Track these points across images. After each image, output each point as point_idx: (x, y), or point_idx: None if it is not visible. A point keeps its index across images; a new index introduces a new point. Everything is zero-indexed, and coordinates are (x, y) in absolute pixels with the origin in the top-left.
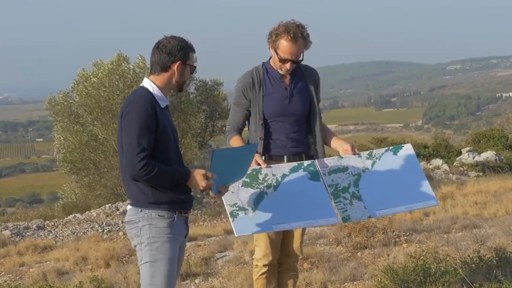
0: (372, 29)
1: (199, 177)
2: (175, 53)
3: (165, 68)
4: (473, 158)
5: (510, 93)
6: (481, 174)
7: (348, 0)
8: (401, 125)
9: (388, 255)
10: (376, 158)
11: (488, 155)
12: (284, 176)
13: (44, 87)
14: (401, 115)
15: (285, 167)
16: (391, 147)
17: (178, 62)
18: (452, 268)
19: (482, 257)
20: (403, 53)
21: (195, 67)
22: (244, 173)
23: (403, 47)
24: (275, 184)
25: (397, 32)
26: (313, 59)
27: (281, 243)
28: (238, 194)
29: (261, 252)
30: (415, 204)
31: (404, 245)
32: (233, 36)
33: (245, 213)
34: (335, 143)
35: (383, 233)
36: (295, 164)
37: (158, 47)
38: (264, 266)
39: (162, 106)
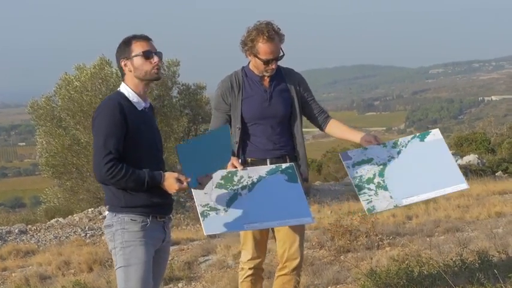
0: (355, 33)
1: (171, 180)
2: (118, 54)
3: (122, 73)
4: (456, 161)
5: (492, 96)
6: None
7: (331, 3)
8: (384, 128)
9: (371, 258)
10: (402, 146)
11: (471, 158)
12: (260, 177)
13: (26, 91)
14: (384, 119)
15: (262, 169)
16: (417, 134)
17: (122, 61)
18: (435, 271)
19: (465, 260)
20: (386, 57)
21: (148, 51)
22: (227, 157)
23: (385, 51)
24: (250, 185)
25: (380, 36)
26: (295, 63)
27: (279, 248)
28: (211, 195)
29: (247, 255)
30: (444, 189)
31: (387, 249)
32: (216, 40)
33: (216, 213)
34: (354, 135)
35: (366, 236)
36: (272, 166)
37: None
38: (250, 269)
39: (139, 108)
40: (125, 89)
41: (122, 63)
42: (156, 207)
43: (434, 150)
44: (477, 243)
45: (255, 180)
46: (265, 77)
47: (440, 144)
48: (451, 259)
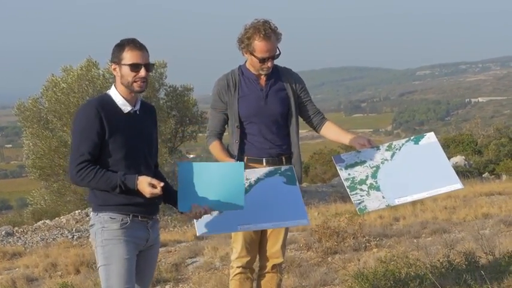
0: (341, 35)
1: (144, 184)
2: (112, 57)
3: (114, 73)
4: None
5: (479, 98)
6: None
7: (317, 6)
8: (371, 130)
9: (359, 260)
10: (396, 149)
11: (458, 159)
12: (258, 179)
13: (13, 93)
14: (371, 120)
15: (260, 171)
16: (412, 137)
17: (112, 65)
18: (422, 273)
19: (452, 262)
20: (373, 59)
21: (135, 64)
22: (238, 201)
23: (372, 52)
24: (247, 187)
25: (367, 38)
26: (282, 65)
27: (261, 246)
28: None
29: (236, 253)
30: (438, 189)
31: (375, 250)
32: (204, 42)
33: (211, 214)
34: (350, 139)
35: (353, 238)
36: (271, 168)
37: None
38: (238, 267)
39: (125, 111)
40: (112, 91)
41: (112, 67)
42: (136, 206)
43: (428, 152)
44: (464, 245)
45: (252, 182)
46: (262, 76)
47: (435, 147)
48: (438, 260)
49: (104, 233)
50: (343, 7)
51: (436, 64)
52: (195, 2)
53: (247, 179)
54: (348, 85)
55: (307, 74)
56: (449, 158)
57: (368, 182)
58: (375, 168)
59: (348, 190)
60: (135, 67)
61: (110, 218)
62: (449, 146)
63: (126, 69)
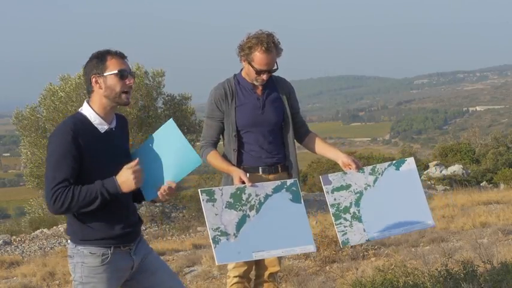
0: (339, 44)
1: (124, 175)
2: (88, 70)
3: (89, 90)
4: (441, 171)
5: (477, 107)
6: (448, 188)
7: (316, 16)
8: (369, 139)
9: (357, 269)
10: (379, 174)
11: (456, 168)
12: (267, 196)
13: (11, 102)
14: (369, 129)
15: (268, 186)
16: (393, 162)
17: (93, 77)
18: (420, 282)
19: (450, 271)
20: (371, 68)
21: (123, 70)
22: (191, 157)
23: (370, 61)
24: (258, 206)
25: (365, 47)
26: (280, 73)
27: None
28: (221, 216)
29: (232, 263)
30: (412, 226)
31: (373, 259)
32: (202, 51)
33: (227, 239)
34: (332, 153)
35: (351, 246)
36: (278, 182)
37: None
38: (235, 277)
39: (102, 131)
40: (87, 110)
41: (93, 80)
42: (116, 238)
43: (407, 182)
44: (462, 254)
45: (261, 199)
46: (258, 85)
47: (414, 175)
48: (436, 269)
49: (84, 269)
50: (341, 17)
51: (434, 73)
52: (193, 12)
53: (257, 196)
54: (346, 94)
55: (305, 83)
56: (447, 167)
57: (351, 210)
58: (358, 195)
59: (332, 218)
60: (123, 73)
61: (90, 253)
62: (447, 155)
63: (112, 79)
